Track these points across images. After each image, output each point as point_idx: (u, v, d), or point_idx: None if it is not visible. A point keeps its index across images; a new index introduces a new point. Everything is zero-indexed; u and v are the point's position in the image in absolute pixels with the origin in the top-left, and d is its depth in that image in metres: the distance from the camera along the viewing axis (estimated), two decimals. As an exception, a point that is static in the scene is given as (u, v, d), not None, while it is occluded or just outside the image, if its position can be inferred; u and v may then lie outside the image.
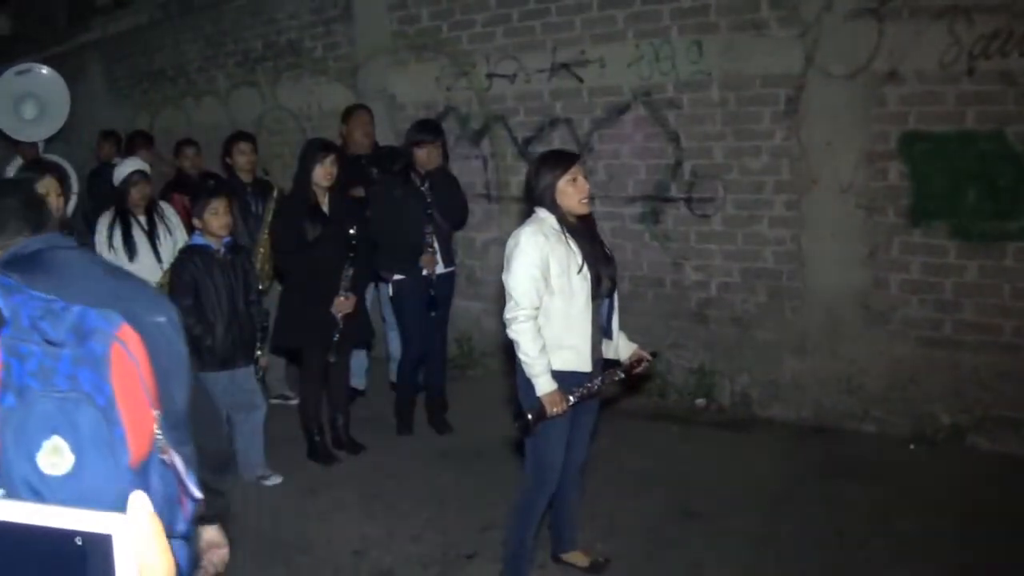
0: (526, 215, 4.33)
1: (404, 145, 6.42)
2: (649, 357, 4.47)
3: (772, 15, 6.28)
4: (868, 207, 6.09)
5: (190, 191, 6.87)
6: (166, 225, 6.46)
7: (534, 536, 4.39)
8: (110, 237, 6.24)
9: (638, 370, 4.47)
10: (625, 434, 6.22)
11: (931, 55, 5.75)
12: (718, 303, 6.81)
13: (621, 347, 4.40)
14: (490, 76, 7.69)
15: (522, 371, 4.15)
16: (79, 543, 0.72)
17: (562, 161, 4.19)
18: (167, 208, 6.64)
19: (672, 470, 5.80)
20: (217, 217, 5.41)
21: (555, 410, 4.04)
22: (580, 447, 4.37)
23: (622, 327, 4.41)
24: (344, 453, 6.22)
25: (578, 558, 4.60)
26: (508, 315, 4.08)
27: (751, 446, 6.26)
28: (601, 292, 4.18)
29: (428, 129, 6.36)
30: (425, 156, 6.20)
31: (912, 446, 6.00)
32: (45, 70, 8.93)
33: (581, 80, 7.18)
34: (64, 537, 0.73)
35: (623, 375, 4.44)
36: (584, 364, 4.16)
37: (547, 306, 4.08)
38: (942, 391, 6.00)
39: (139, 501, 0.77)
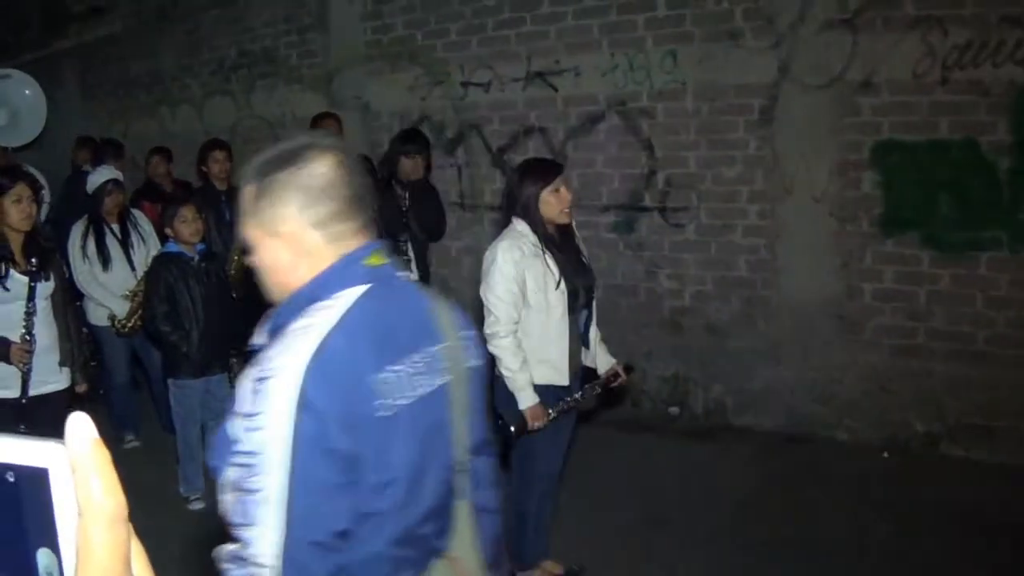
0: (502, 225, 4.30)
1: (388, 154, 6.38)
2: (623, 373, 4.49)
3: (747, 25, 6.30)
4: (841, 216, 6.11)
5: (160, 199, 6.85)
6: (139, 233, 6.44)
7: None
8: (84, 245, 6.21)
9: (614, 384, 4.50)
10: (599, 443, 6.18)
11: (904, 65, 5.77)
12: (692, 312, 6.81)
13: (600, 359, 4.41)
14: (464, 85, 7.68)
15: (501, 383, 4.15)
16: (11, 479, 0.60)
17: (547, 172, 4.17)
18: (140, 216, 6.61)
19: (646, 478, 5.78)
20: (187, 224, 5.40)
21: (536, 424, 4.04)
22: (557, 459, 4.38)
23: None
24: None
25: (552, 567, 4.57)
26: (488, 330, 4.08)
27: (724, 454, 6.24)
28: (578, 306, 4.18)
29: (415, 140, 6.32)
30: (411, 167, 6.16)
31: (885, 454, 6.01)
32: (28, 90, 8.90)
33: (556, 89, 7.18)
34: None
35: (600, 390, 4.46)
36: (561, 378, 4.18)
37: (524, 321, 4.08)
38: (915, 399, 6.02)
39: (80, 425, 0.60)
